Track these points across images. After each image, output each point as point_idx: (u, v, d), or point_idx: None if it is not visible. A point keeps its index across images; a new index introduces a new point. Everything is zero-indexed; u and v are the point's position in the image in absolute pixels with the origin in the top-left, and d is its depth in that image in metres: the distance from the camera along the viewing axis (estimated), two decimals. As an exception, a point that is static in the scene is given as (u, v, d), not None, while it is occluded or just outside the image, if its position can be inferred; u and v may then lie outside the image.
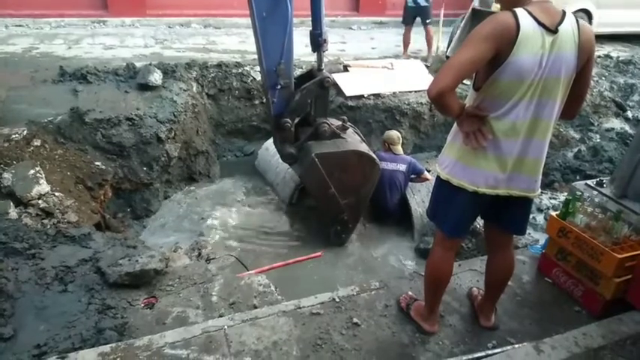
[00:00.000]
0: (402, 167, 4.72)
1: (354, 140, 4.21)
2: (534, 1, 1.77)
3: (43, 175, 3.57)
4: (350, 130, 4.30)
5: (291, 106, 3.86)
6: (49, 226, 3.26)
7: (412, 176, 4.82)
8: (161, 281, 2.86)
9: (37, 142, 3.99)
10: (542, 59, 1.74)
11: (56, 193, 3.58)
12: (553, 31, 1.74)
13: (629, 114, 6.96)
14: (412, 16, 7.08)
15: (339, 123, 4.21)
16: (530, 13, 1.72)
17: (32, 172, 3.53)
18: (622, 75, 7.52)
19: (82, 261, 2.88)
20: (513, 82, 1.78)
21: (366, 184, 4.21)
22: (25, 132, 3.97)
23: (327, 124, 4.05)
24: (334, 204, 4.16)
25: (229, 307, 2.70)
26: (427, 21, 7.07)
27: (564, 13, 1.78)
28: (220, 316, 2.57)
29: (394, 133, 4.93)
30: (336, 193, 4.09)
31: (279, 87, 3.69)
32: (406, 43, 7.30)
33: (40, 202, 3.39)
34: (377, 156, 4.58)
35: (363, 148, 4.15)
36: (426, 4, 6.97)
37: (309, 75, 4.06)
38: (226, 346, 2.24)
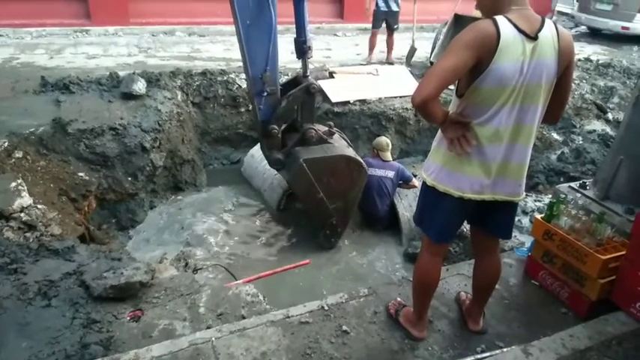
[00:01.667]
0: (390, 174, 4.74)
1: (340, 145, 4.24)
2: (514, 8, 1.79)
3: (25, 188, 3.50)
4: (336, 136, 4.33)
5: (277, 112, 3.87)
6: (31, 240, 3.20)
7: (400, 182, 4.84)
8: (147, 293, 2.81)
9: (18, 154, 3.92)
10: (523, 66, 1.77)
11: (39, 206, 3.51)
12: (533, 37, 1.76)
13: (610, 116, 7.09)
14: (382, 19, 7.16)
15: (326, 129, 4.24)
16: (510, 21, 1.75)
17: (14, 184, 3.47)
18: (602, 78, 7.66)
19: (66, 275, 2.82)
20: (495, 89, 1.80)
21: (353, 188, 4.24)
22: (6, 144, 3.90)
23: (314, 129, 4.08)
24: (323, 208, 4.17)
25: (217, 318, 2.67)
26: (395, 27, 7.20)
27: (543, 19, 1.81)
28: (208, 327, 2.54)
29: (383, 140, 4.95)
30: (325, 197, 4.11)
31: (265, 94, 3.71)
32: (372, 46, 7.39)
33: (22, 215, 3.32)
34: (365, 162, 4.61)
35: (350, 152, 4.19)
36: (397, 9, 7.09)
37: (294, 82, 4.08)
38: (214, 358, 2.22)
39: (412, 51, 7.36)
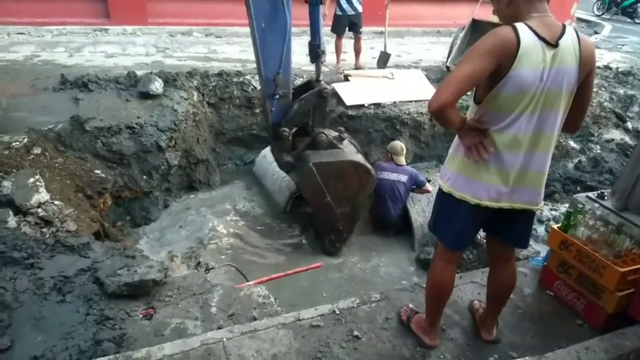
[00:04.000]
0: (403, 178, 4.72)
1: (350, 150, 4.26)
2: (535, 15, 1.77)
3: (43, 184, 3.56)
4: (346, 141, 4.34)
5: (289, 115, 3.90)
6: (48, 235, 3.25)
7: (413, 187, 4.82)
8: (160, 292, 2.84)
9: (37, 150, 3.99)
10: (543, 73, 1.74)
11: (56, 202, 3.57)
12: (553, 45, 1.74)
13: (629, 125, 6.97)
14: (345, 24, 6.71)
15: (336, 134, 4.25)
16: (530, 28, 1.73)
17: (32, 180, 3.53)
18: (622, 86, 7.53)
19: (81, 271, 2.86)
20: (514, 96, 1.78)
21: (361, 194, 4.26)
22: (26, 140, 3.97)
23: (325, 134, 4.09)
24: (330, 212, 4.20)
25: (228, 318, 2.68)
26: (361, 30, 6.78)
27: (564, 26, 1.79)
28: (219, 327, 2.55)
29: (397, 144, 4.95)
30: (332, 201, 4.13)
31: (277, 96, 3.74)
32: (339, 50, 6.97)
33: (39, 210, 3.38)
34: (378, 165, 4.61)
35: (359, 158, 4.21)
36: (361, 10, 6.62)
37: (307, 85, 4.10)
38: (225, 359, 2.22)
39: (385, 57, 7.00)
